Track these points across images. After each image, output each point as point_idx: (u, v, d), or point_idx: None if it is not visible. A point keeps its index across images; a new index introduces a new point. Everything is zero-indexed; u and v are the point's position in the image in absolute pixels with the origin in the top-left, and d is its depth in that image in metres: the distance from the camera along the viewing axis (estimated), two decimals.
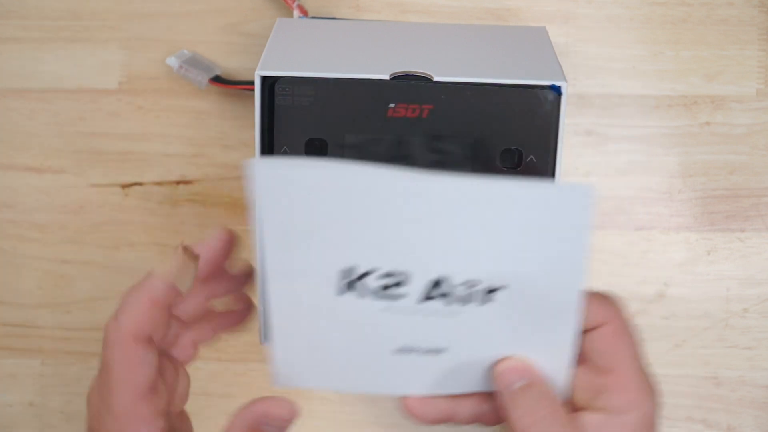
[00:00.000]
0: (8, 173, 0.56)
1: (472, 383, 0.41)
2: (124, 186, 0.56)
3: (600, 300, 0.40)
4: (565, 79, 0.44)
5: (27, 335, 0.57)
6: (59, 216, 0.56)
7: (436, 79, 0.44)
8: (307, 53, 0.47)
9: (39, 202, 0.56)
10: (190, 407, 0.57)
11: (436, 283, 0.37)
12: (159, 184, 0.56)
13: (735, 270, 0.56)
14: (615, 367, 0.40)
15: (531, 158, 0.45)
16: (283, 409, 0.40)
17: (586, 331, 0.40)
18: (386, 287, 0.37)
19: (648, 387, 0.40)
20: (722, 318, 0.57)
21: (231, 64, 0.55)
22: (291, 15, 0.54)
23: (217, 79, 0.54)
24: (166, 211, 0.56)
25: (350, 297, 0.38)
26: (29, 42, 0.56)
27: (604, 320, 0.40)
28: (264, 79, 0.44)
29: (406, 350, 0.40)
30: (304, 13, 0.54)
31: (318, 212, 0.35)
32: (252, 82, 0.45)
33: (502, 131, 0.45)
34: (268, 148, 0.45)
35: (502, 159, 0.45)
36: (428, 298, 0.38)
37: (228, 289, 0.45)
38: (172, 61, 0.54)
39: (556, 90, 0.44)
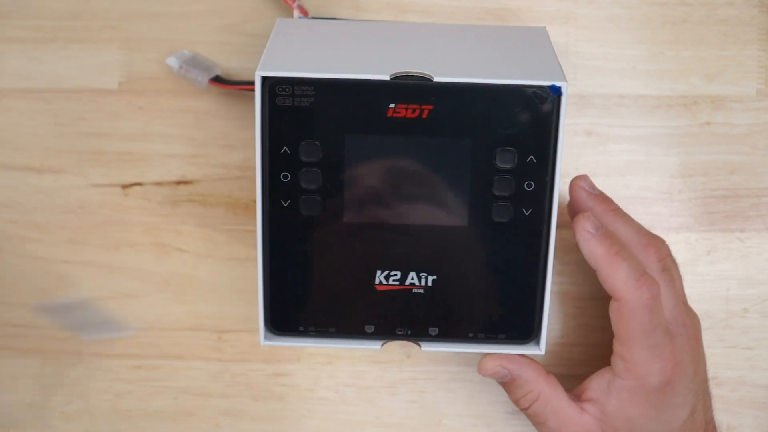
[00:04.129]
0: (8, 173, 0.56)
1: None
2: (124, 186, 0.56)
3: (627, 273, 0.45)
4: (565, 79, 0.44)
5: (27, 335, 0.57)
6: (59, 216, 0.56)
7: (436, 79, 0.44)
8: (307, 53, 0.47)
9: (39, 202, 0.56)
10: (190, 408, 0.57)
11: None
12: (159, 184, 0.56)
13: (735, 270, 0.56)
14: (621, 339, 0.46)
15: (531, 158, 0.45)
16: None
17: (612, 299, 0.47)
18: None
19: (652, 363, 0.45)
20: (722, 318, 0.57)
21: (231, 64, 0.55)
22: (291, 15, 0.54)
23: (217, 79, 0.54)
24: (166, 211, 0.56)
25: None
26: (29, 42, 0.56)
27: (621, 296, 0.45)
28: (264, 79, 0.44)
29: None
30: (304, 13, 0.54)
31: None
32: (252, 83, 0.45)
33: (502, 131, 0.45)
34: (269, 148, 0.45)
35: (501, 159, 0.45)
36: None
37: None
38: (172, 62, 0.54)
39: (556, 90, 0.44)
